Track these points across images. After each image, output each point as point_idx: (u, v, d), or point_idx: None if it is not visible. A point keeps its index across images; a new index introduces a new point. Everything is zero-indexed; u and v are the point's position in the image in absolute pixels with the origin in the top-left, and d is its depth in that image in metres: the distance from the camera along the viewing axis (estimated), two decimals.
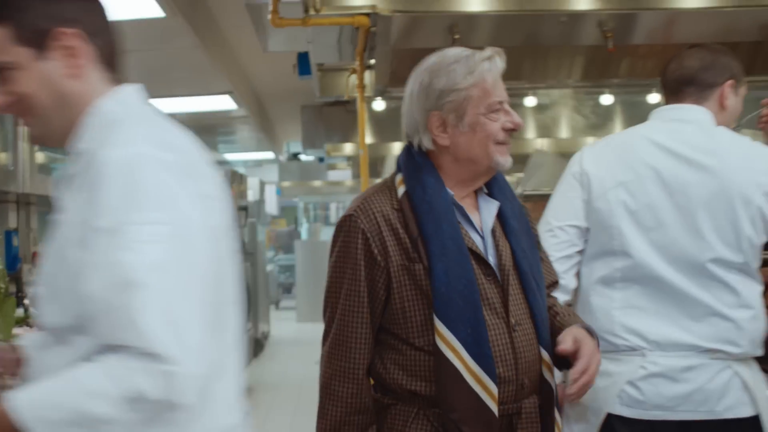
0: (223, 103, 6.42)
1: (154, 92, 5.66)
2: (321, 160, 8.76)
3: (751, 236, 2.19)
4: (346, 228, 1.85)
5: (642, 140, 2.30)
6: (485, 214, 1.92)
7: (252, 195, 8.72)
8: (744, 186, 2.18)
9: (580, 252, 2.32)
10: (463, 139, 1.86)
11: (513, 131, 1.87)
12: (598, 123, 6.07)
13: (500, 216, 1.93)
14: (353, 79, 3.86)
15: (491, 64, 1.84)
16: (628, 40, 3.86)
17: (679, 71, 2.33)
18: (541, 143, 6.43)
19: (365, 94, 3.99)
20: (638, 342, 2.21)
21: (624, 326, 2.22)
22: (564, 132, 6.04)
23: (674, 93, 2.34)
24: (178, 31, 4.48)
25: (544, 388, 1.88)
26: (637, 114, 5.27)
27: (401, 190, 1.87)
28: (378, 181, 1.98)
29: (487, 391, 1.75)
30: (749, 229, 2.19)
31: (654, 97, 5.00)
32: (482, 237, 1.89)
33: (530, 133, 6.15)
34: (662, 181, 2.22)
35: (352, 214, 1.86)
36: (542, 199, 2.78)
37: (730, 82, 2.31)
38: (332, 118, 6.56)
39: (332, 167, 8.71)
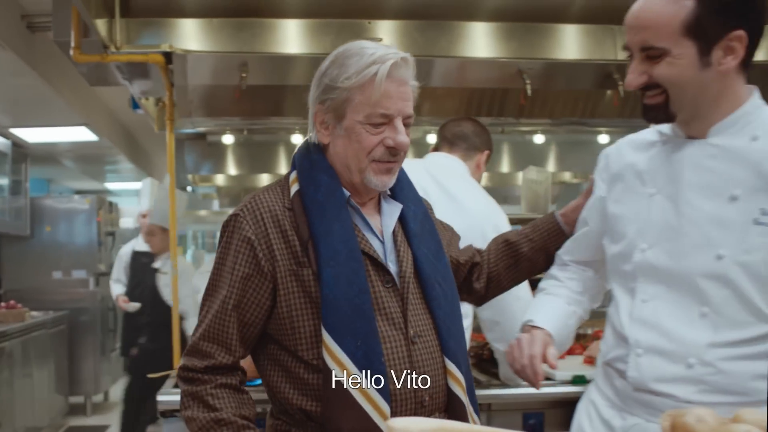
0: (81, 134, 6.51)
1: (20, 122, 5.81)
2: (193, 191, 9.02)
3: None
4: (230, 229, 1.71)
5: (421, 168, 2.73)
6: (387, 217, 1.77)
7: (132, 222, 8.91)
8: (485, 226, 2.61)
9: None
10: (340, 142, 1.70)
11: (394, 150, 1.68)
12: None
13: (401, 219, 1.79)
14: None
15: (384, 69, 1.61)
16: (427, 82, 4.28)
17: (459, 128, 2.87)
18: None
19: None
20: None
21: None
22: None
23: (450, 143, 2.86)
24: (13, 65, 4.61)
25: (453, 404, 1.71)
26: None
27: (294, 188, 1.71)
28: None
29: (378, 410, 1.58)
30: None
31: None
32: (382, 242, 1.74)
33: None
34: (430, 204, 2.60)
35: (238, 214, 1.70)
36: None
37: (487, 152, 2.88)
38: (195, 151, 6.74)
39: (207, 197, 8.97)
